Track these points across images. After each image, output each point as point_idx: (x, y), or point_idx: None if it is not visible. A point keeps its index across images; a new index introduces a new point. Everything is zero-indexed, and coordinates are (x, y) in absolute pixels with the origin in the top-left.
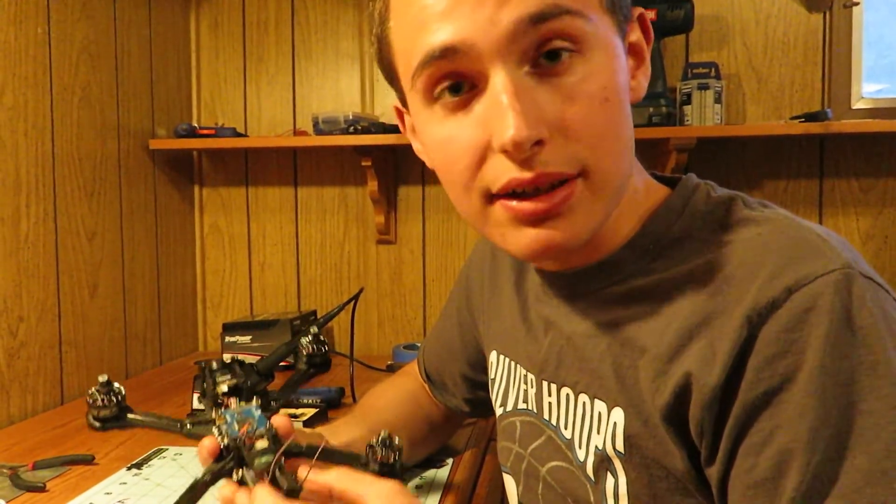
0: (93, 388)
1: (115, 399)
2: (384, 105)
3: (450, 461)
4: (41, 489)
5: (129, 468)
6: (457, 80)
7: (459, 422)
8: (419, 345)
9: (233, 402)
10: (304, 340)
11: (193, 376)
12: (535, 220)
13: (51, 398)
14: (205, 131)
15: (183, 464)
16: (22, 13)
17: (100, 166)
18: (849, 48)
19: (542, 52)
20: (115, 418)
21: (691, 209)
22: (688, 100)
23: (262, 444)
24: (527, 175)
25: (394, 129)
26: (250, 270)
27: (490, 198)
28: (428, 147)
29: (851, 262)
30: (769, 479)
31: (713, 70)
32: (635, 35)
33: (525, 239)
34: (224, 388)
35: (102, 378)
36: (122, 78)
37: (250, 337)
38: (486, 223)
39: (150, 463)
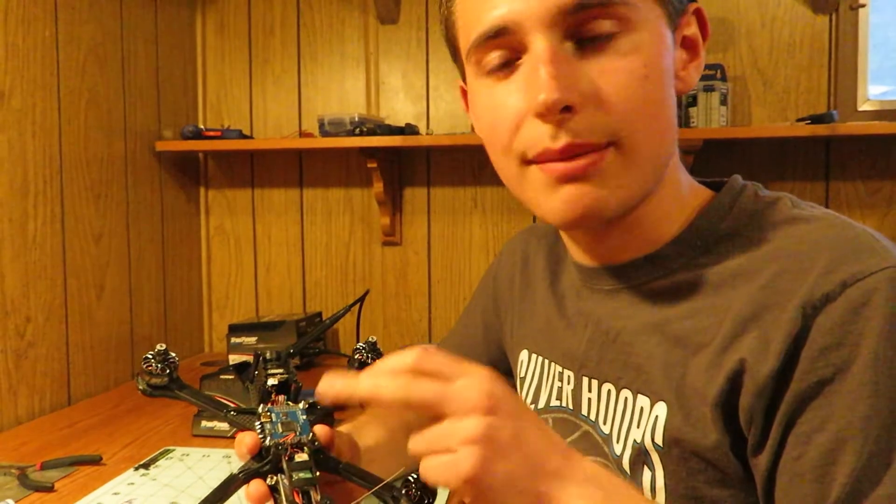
0: (149, 354)
1: (168, 369)
2: (389, 107)
3: None
4: (49, 489)
5: (136, 468)
6: (506, 53)
7: None
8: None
9: (281, 399)
10: (361, 345)
11: (201, 376)
12: (565, 180)
13: (58, 399)
14: (211, 133)
15: (190, 464)
16: (30, 15)
17: (106, 168)
18: (855, 50)
19: (587, 29)
20: (164, 387)
21: (739, 207)
22: (693, 101)
23: (302, 456)
24: (558, 144)
25: (399, 131)
26: (256, 272)
27: (527, 162)
28: (477, 115)
29: None
30: (819, 466)
31: (719, 72)
32: (691, 29)
33: (557, 200)
34: (274, 381)
35: (161, 346)
36: (129, 80)
37: (256, 338)
38: (522, 187)
39: (157, 463)
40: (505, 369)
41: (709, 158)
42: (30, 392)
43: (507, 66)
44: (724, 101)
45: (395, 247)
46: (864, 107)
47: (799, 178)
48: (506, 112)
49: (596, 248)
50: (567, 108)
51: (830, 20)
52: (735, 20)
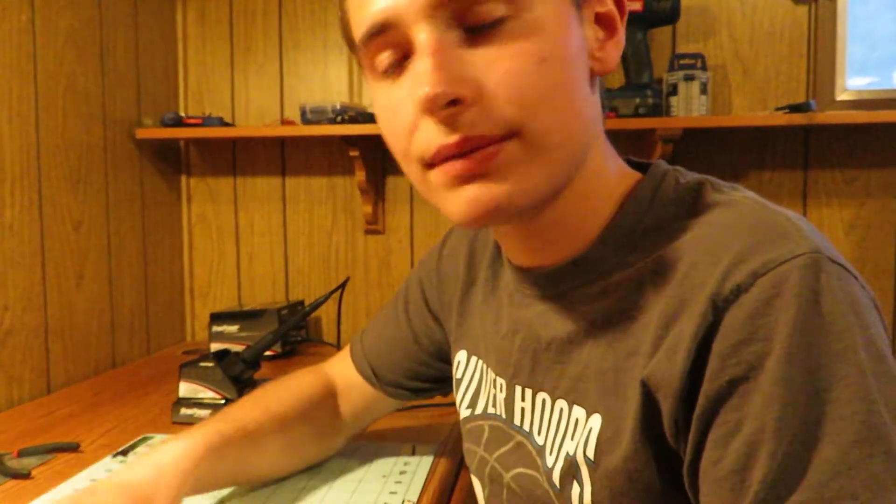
0: None
1: None
2: (372, 95)
3: (433, 448)
4: (26, 476)
5: (114, 455)
6: (395, 52)
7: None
8: None
9: None
10: None
11: (180, 365)
12: (466, 178)
13: (37, 387)
14: (192, 121)
15: None
16: (5, 0)
17: (85, 155)
18: (833, 40)
19: (474, 14)
20: None
21: (661, 198)
22: (674, 91)
23: None
24: (452, 139)
25: None
26: (238, 260)
27: (427, 166)
28: (378, 119)
29: (820, 247)
30: (735, 471)
31: (699, 61)
32: (604, 5)
33: (460, 200)
34: None
35: None
36: (108, 67)
37: (238, 326)
38: (429, 191)
39: (136, 450)
40: (433, 374)
41: (689, 147)
42: (8, 380)
43: (399, 65)
44: (704, 91)
45: (378, 235)
46: (842, 96)
47: (778, 166)
48: (400, 115)
49: (522, 249)
50: (455, 101)
51: (810, 10)
52: (716, 9)
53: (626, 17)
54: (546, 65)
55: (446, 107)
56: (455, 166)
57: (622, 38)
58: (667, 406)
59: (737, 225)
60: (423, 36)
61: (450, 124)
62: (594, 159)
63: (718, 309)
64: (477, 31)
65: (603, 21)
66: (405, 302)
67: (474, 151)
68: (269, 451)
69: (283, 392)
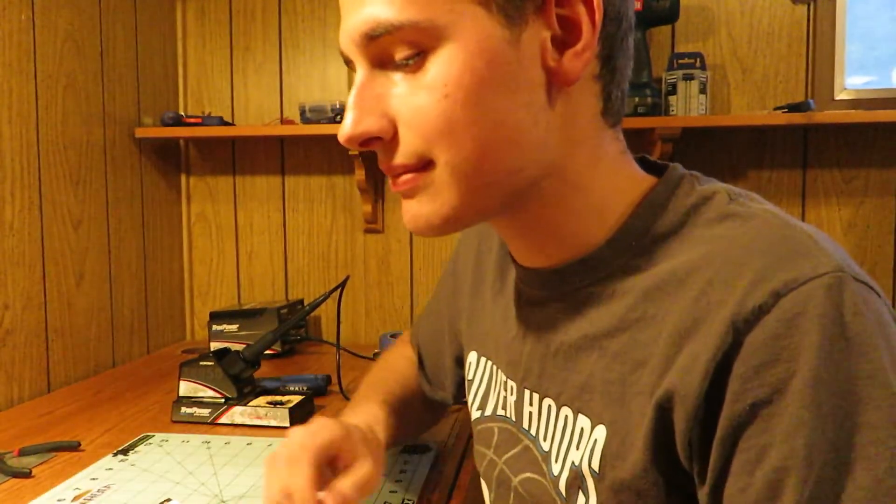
0: None
1: None
2: None
3: (433, 447)
4: (27, 475)
5: (115, 454)
6: None
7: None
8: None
9: None
10: None
11: (180, 363)
12: (403, 195)
13: (37, 386)
14: (191, 120)
15: (169, 450)
16: (5, 0)
17: (85, 154)
18: (832, 39)
19: (390, 55)
20: None
21: (675, 204)
22: (673, 90)
23: None
24: (383, 165)
25: None
26: (237, 259)
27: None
28: None
29: (843, 265)
30: (764, 500)
31: (698, 60)
32: (566, 8)
33: (403, 212)
34: None
35: None
36: (108, 66)
37: (237, 325)
38: None
39: (136, 449)
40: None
41: (688, 147)
42: (8, 379)
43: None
44: (703, 90)
45: (377, 234)
46: (840, 96)
47: (777, 165)
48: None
49: (525, 248)
50: (374, 138)
51: (808, 9)
52: (715, 9)
53: (599, 16)
54: (448, 100)
55: (364, 143)
56: (394, 184)
57: (591, 43)
58: (681, 427)
59: (756, 241)
60: (358, 74)
61: (380, 151)
62: (575, 168)
63: (739, 330)
64: (398, 69)
65: (565, 24)
66: (441, 292)
67: (402, 175)
68: (407, 418)
69: (401, 366)
